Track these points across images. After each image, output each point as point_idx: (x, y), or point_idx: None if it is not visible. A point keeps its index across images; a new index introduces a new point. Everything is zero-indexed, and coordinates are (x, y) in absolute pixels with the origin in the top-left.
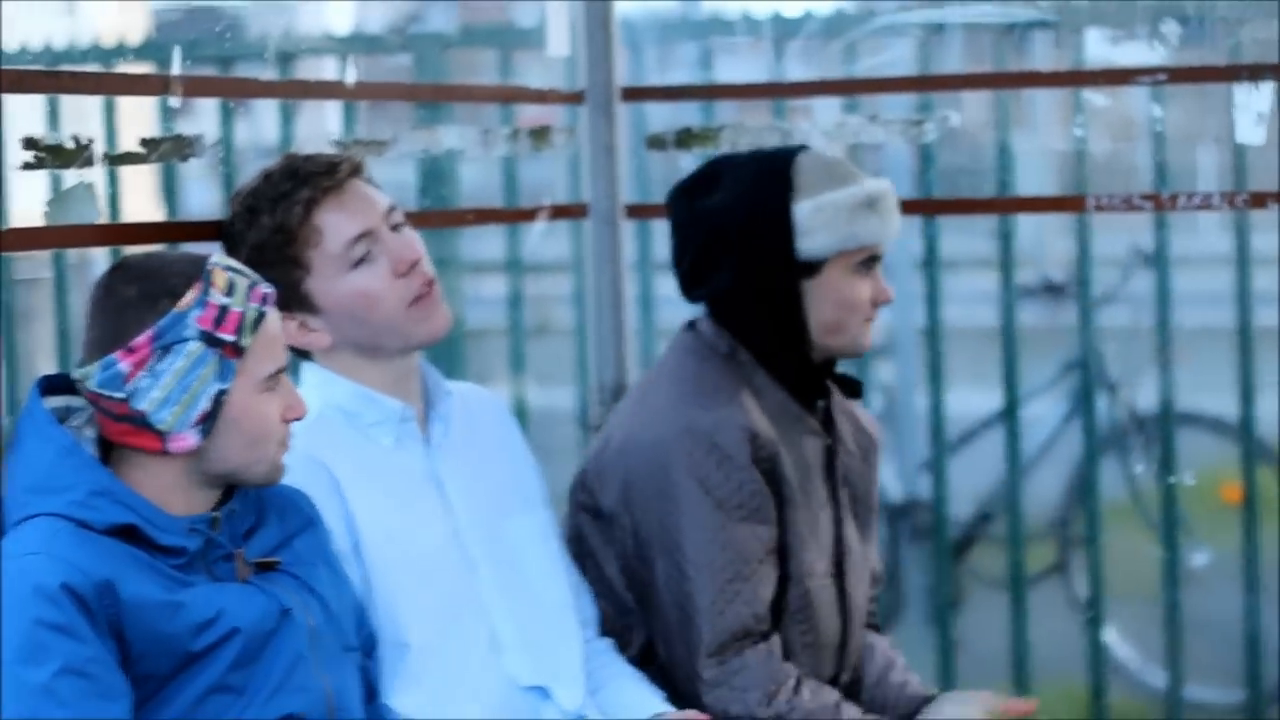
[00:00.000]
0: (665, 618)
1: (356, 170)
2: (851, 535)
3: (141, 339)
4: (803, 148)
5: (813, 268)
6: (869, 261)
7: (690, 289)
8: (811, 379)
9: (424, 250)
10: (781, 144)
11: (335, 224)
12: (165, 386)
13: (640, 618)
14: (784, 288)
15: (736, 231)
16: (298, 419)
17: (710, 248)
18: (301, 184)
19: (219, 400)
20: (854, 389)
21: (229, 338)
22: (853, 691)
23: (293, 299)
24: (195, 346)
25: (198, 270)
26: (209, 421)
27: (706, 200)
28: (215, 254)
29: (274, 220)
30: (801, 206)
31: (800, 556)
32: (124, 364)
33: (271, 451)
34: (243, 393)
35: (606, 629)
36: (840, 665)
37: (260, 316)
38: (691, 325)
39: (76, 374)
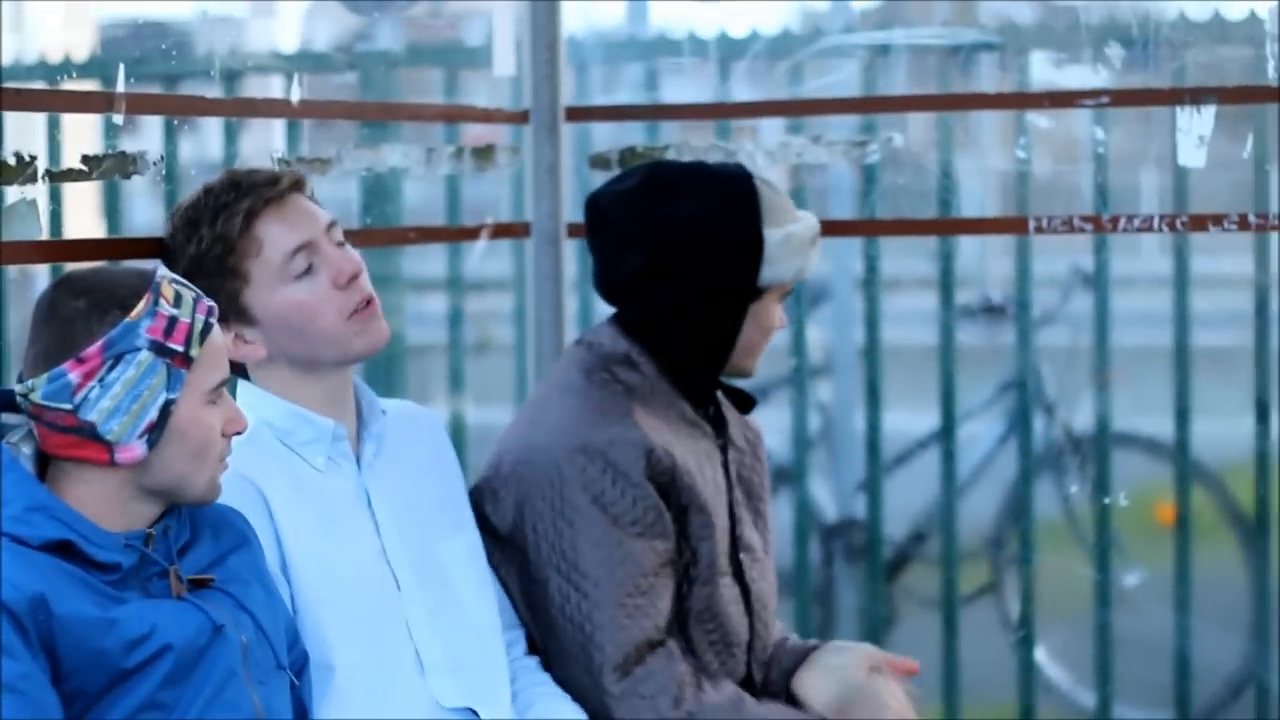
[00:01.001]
0: (561, 637)
1: (298, 185)
2: (750, 533)
3: (93, 349)
4: (741, 167)
5: (759, 293)
6: (786, 293)
7: (622, 293)
8: (707, 391)
9: (364, 266)
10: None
11: (275, 235)
12: (115, 396)
13: (535, 636)
14: (735, 308)
15: (707, 248)
16: (238, 433)
17: (669, 258)
18: (243, 195)
19: (166, 410)
20: (746, 404)
21: (178, 348)
22: (768, 690)
23: (230, 311)
24: (146, 356)
25: (146, 283)
26: (156, 432)
27: (669, 210)
28: (160, 268)
29: (214, 231)
30: (772, 234)
31: (702, 559)
32: (73, 375)
33: (212, 466)
34: (189, 404)
35: None
36: (749, 662)
37: (207, 328)
38: (582, 341)
39: (19, 388)
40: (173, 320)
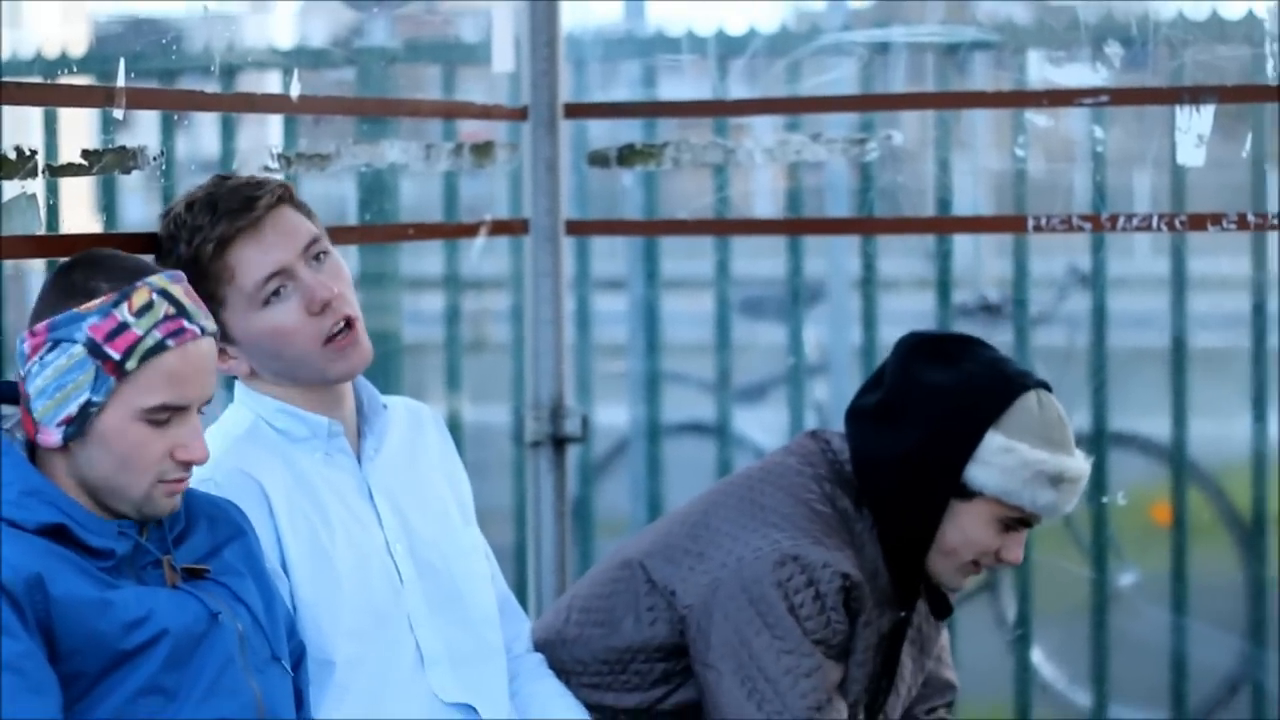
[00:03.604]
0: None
1: (280, 199)
2: (906, 680)
3: (41, 326)
4: (1044, 385)
5: (968, 493)
6: (1018, 525)
7: (858, 421)
8: (912, 577)
9: (346, 284)
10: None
11: (248, 261)
12: (46, 378)
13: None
14: (935, 495)
15: (930, 416)
16: (191, 462)
17: (901, 413)
18: (218, 220)
19: (86, 410)
20: (942, 611)
21: (114, 355)
22: None
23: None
24: (78, 350)
25: (126, 280)
26: (72, 427)
27: (931, 369)
28: (165, 274)
29: (189, 252)
30: (993, 439)
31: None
32: (26, 345)
33: (144, 483)
34: (116, 414)
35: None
36: None
37: (159, 348)
38: (817, 435)
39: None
40: (121, 327)
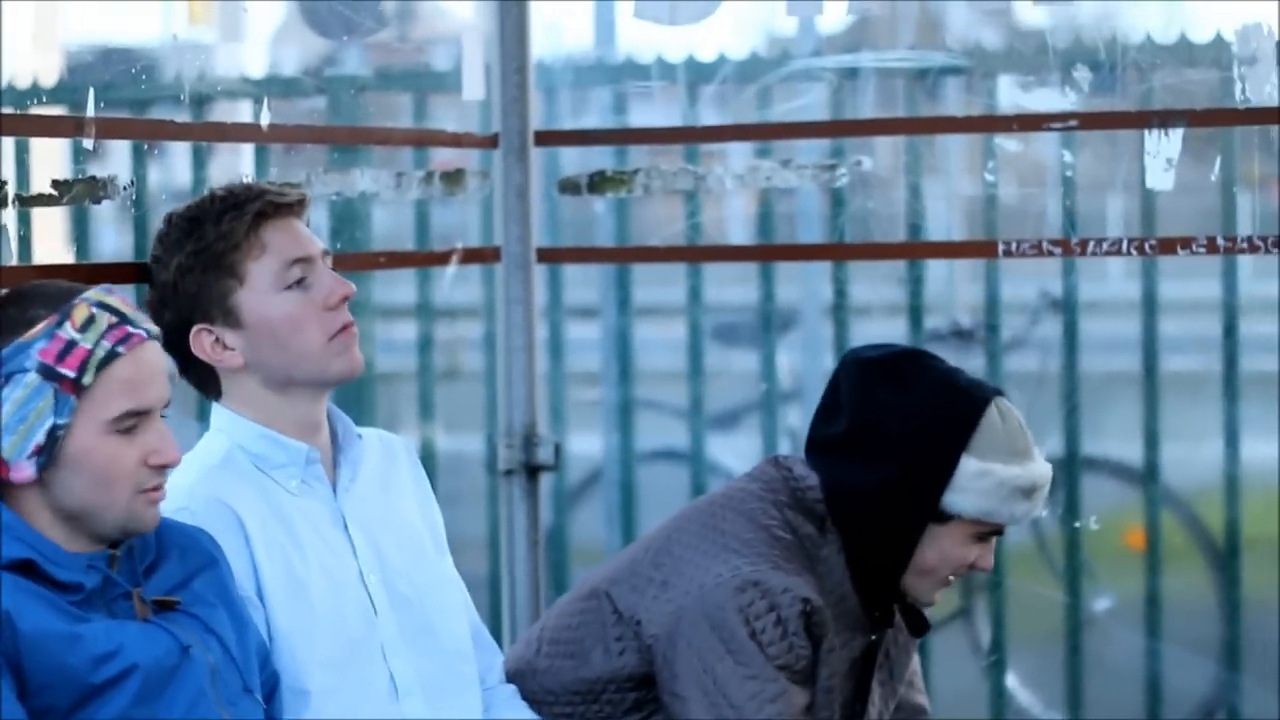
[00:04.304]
0: None
1: (303, 204)
2: (876, 707)
3: None
4: (998, 392)
5: (945, 518)
6: (990, 535)
7: (821, 450)
8: (884, 598)
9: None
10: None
11: (279, 241)
12: (6, 414)
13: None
14: (913, 521)
15: (902, 449)
16: (165, 465)
17: (871, 445)
18: (254, 198)
19: (54, 435)
20: (919, 628)
21: (69, 373)
22: None
23: (217, 311)
24: (33, 379)
25: (62, 301)
26: (43, 455)
27: (890, 394)
28: (98, 288)
29: (219, 229)
30: (968, 465)
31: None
32: None
33: (124, 497)
34: (85, 431)
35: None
36: None
37: (111, 356)
38: (779, 461)
39: None
40: (70, 345)
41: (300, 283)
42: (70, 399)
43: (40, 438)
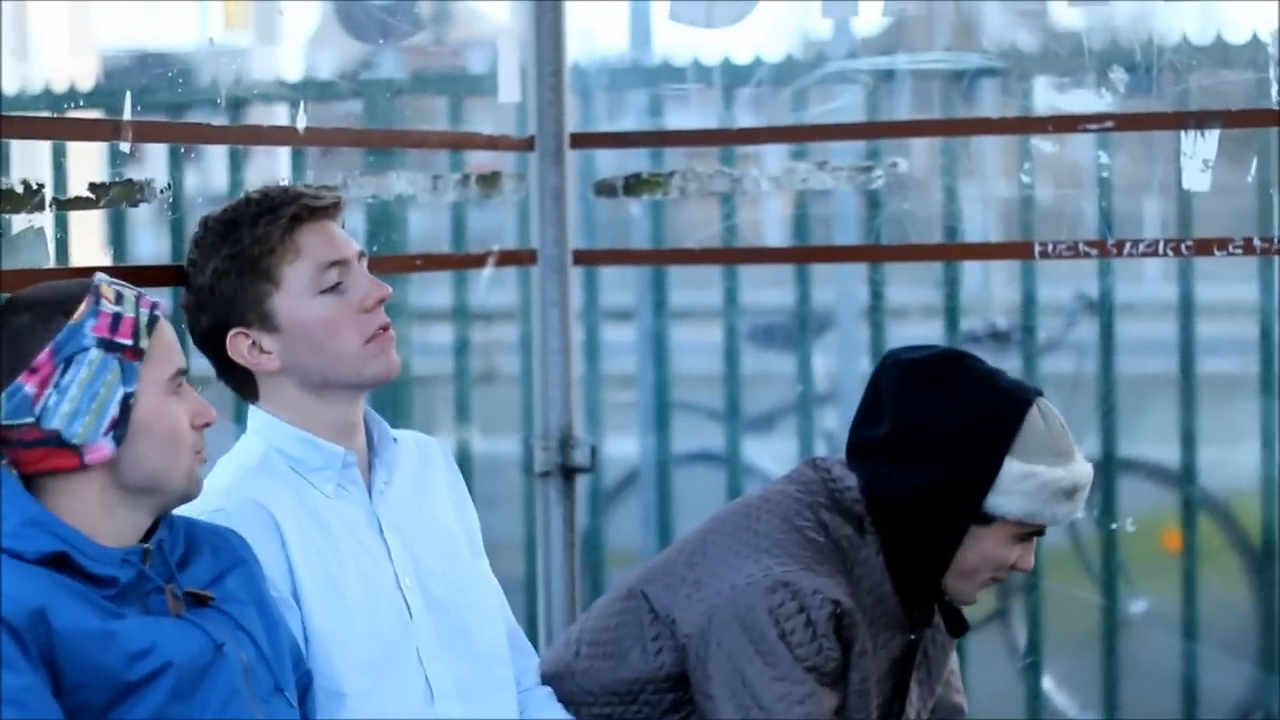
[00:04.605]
0: None
1: (338, 206)
2: (914, 707)
3: (42, 356)
4: (1039, 393)
5: (987, 520)
6: (1033, 535)
7: (867, 456)
8: (924, 599)
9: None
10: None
11: (315, 245)
12: (73, 399)
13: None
14: (956, 526)
15: (945, 452)
16: (208, 424)
17: (914, 447)
18: (289, 202)
19: (127, 404)
20: (958, 628)
21: (127, 341)
22: None
23: (253, 315)
24: (95, 354)
25: (85, 288)
26: (120, 427)
27: (933, 397)
28: (99, 274)
29: (254, 233)
30: (1011, 467)
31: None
32: (29, 386)
33: (186, 457)
34: (149, 395)
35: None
36: None
37: (153, 320)
38: (817, 463)
39: None
40: (116, 316)
41: (336, 286)
42: (134, 365)
43: (114, 410)
